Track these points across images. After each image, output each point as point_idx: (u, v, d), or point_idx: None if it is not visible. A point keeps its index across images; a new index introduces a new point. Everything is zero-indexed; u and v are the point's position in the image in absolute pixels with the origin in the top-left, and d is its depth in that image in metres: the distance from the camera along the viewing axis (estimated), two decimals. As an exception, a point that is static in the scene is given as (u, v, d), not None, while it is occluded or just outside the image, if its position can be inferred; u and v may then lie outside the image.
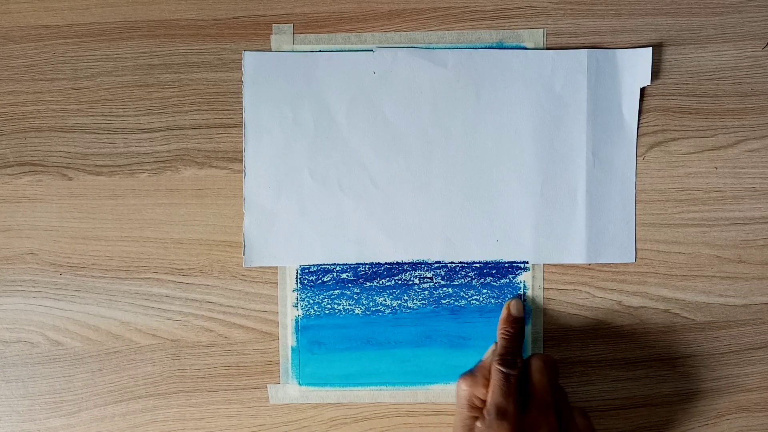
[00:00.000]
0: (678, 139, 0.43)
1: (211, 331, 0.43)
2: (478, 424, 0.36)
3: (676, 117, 0.43)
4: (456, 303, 0.43)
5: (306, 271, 0.43)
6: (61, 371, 0.43)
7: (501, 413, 0.36)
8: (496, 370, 0.38)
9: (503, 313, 0.42)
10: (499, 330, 0.41)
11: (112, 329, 0.43)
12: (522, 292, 0.43)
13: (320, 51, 0.43)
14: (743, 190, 0.43)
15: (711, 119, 0.43)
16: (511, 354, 0.39)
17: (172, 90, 0.43)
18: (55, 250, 0.43)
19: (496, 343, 0.41)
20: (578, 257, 0.43)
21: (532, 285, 0.43)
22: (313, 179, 0.43)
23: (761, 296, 0.43)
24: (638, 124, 0.43)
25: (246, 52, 0.43)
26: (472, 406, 0.38)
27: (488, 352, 0.41)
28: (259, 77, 0.43)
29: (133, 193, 0.43)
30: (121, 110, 0.43)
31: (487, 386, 0.38)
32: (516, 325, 0.41)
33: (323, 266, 0.43)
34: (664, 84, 0.43)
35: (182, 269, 0.43)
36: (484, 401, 0.38)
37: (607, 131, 0.43)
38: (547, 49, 0.43)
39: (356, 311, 0.43)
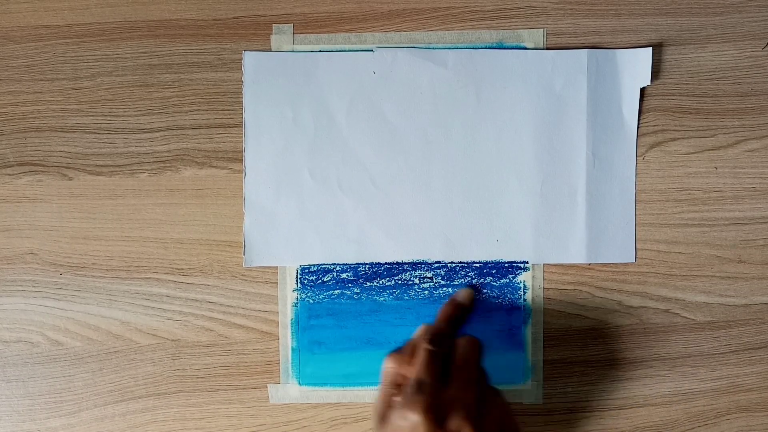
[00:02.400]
0: (678, 139, 0.43)
1: (211, 331, 0.43)
2: (397, 398, 0.36)
3: (676, 117, 0.43)
4: (456, 303, 0.43)
5: (306, 271, 0.43)
6: (61, 371, 0.43)
7: (419, 387, 0.35)
8: (422, 348, 0.37)
9: (450, 299, 0.42)
10: (441, 311, 0.41)
11: (112, 329, 0.43)
12: (474, 285, 0.43)
13: (320, 51, 0.43)
14: (743, 190, 0.43)
15: (711, 119, 0.43)
16: (441, 335, 0.38)
17: (172, 90, 0.43)
18: (55, 250, 0.43)
19: (426, 324, 0.40)
20: (578, 257, 0.43)
21: (532, 285, 0.43)
22: (313, 179, 0.43)
23: (761, 296, 0.43)
24: (638, 124, 0.43)
25: (246, 52, 0.43)
26: (395, 384, 0.37)
27: (418, 331, 0.40)
28: (259, 77, 0.43)
29: (133, 193, 0.43)
30: (121, 110, 0.43)
31: (412, 364, 0.37)
32: (457, 309, 0.41)
33: (323, 266, 0.43)
34: (664, 84, 0.43)
35: (182, 269, 0.43)
36: (407, 379, 0.37)
37: (607, 131, 0.43)
38: (547, 49, 0.43)
39: (356, 311, 0.43)
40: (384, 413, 0.36)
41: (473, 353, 0.38)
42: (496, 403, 0.37)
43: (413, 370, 0.37)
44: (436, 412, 0.34)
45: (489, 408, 0.36)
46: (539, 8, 0.43)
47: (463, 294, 0.42)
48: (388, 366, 0.38)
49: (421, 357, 0.37)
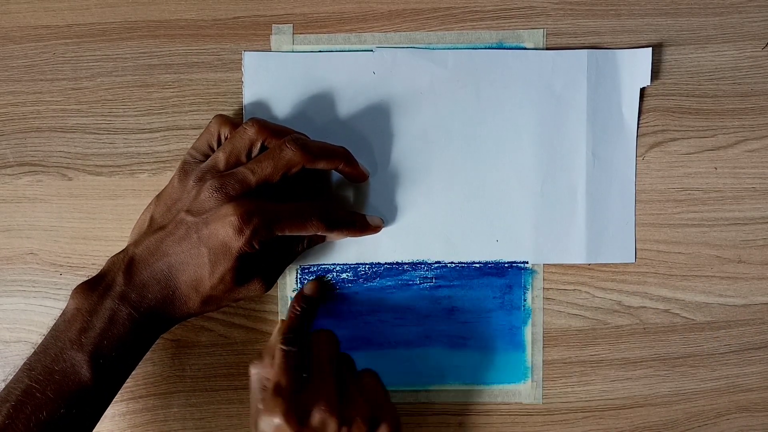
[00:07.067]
0: (678, 139, 0.43)
1: (211, 330, 0.43)
2: (259, 405, 0.36)
3: (676, 117, 0.43)
4: (456, 303, 0.43)
5: (306, 271, 0.43)
6: (61, 371, 0.43)
7: (277, 390, 0.35)
8: (277, 349, 0.37)
9: (296, 294, 0.42)
10: (289, 308, 0.41)
11: (112, 329, 0.43)
12: (320, 277, 0.43)
13: (320, 51, 0.43)
14: (743, 190, 0.43)
15: (711, 119, 0.43)
16: (294, 332, 0.38)
17: (172, 90, 0.43)
18: (55, 250, 0.43)
19: (282, 320, 0.40)
20: (578, 257, 0.43)
21: (532, 285, 0.43)
22: (313, 179, 0.43)
23: (761, 296, 0.43)
24: (638, 124, 0.43)
25: (246, 52, 0.43)
26: (264, 388, 0.37)
27: (274, 333, 0.40)
28: (259, 77, 0.43)
29: (133, 194, 0.43)
30: (121, 110, 0.43)
31: (273, 366, 0.37)
32: (306, 303, 0.41)
33: (323, 266, 0.43)
34: (664, 84, 0.43)
35: (182, 269, 0.43)
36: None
37: (607, 131, 0.43)
38: (547, 49, 0.43)
39: (356, 311, 0.43)
40: (255, 420, 0.36)
41: (327, 345, 0.38)
42: (362, 388, 0.38)
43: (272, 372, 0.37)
44: (296, 412, 0.35)
45: (353, 395, 0.37)
46: (539, 8, 0.43)
47: (308, 287, 0.42)
48: (252, 372, 0.38)
49: (276, 359, 0.37)
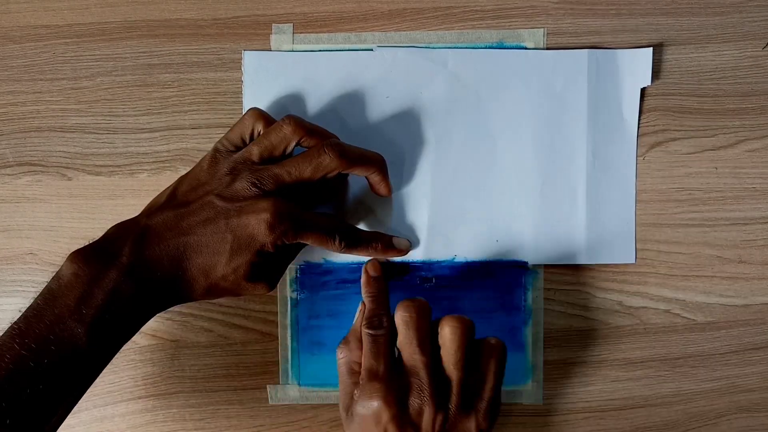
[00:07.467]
0: (678, 139, 0.43)
1: (210, 331, 0.43)
2: (355, 390, 0.36)
3: (677, 117, 0.43)
4: (456, 303, 0.43)
5: (306, 271, 0.43)
6: (60, 371, 0.43)
7: (372, 375, 0.35)
8: (365, 334, 0.37)
9: (363, 277, 0.41)
10: (363, 293, 0.41)
11: (112, 329, 0.43)
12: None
13: (320, 51, 0.43)
14: (743, 190, 0.43)
15: (711, 119, 0.43)
16: (377, 315, 0.38)
17: (171, 90, 0.43)
18: (55, 250, 0.43)
19: (363, 302, 0.40)
20: (578, 257, 0.43)
21: (533, 285, 0.43)
22: (313, 179, 0.43)
23: (761, 296, 0.43)
24: (638, 124, 0.43)
25: (246, 52, 0.43)
26: (353, 372, 0.37)
27: (357, 316, 0.40)
28: (259, 77, 0.43)
29: (133, 193, 0.43)
30: (120, 110, 0.43)
31: (362, 350, 0.37)
32: (377, 284, 0.40)
33: (323, 266, 0.43)
34: (665, 84, 0.43)
35: (182, 269, 0.43)
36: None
37: (607, 131, 0.43)
38: (548, 49, 0.43)
39: (356, 312, 0.43)
40: (348, 405, 0.36)
41: (415, 325, 0.37)
42: (480, 364, 0.37)
43: (362, 357, 0.37)
44: (395, 395, 0.34)
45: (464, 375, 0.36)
46: (539, 8, 0.43)
47: (371, 267, 0.41)
48: (340, 357, 0.38)
49: (366, 343, 0.37)
